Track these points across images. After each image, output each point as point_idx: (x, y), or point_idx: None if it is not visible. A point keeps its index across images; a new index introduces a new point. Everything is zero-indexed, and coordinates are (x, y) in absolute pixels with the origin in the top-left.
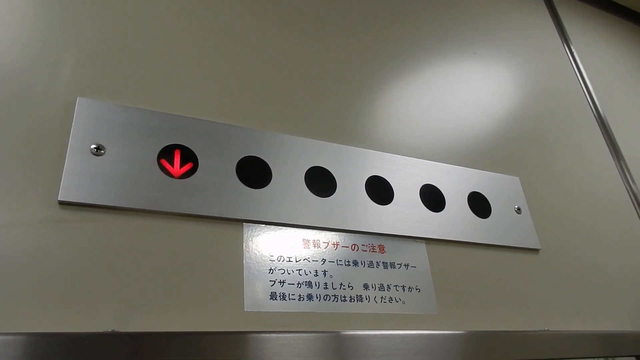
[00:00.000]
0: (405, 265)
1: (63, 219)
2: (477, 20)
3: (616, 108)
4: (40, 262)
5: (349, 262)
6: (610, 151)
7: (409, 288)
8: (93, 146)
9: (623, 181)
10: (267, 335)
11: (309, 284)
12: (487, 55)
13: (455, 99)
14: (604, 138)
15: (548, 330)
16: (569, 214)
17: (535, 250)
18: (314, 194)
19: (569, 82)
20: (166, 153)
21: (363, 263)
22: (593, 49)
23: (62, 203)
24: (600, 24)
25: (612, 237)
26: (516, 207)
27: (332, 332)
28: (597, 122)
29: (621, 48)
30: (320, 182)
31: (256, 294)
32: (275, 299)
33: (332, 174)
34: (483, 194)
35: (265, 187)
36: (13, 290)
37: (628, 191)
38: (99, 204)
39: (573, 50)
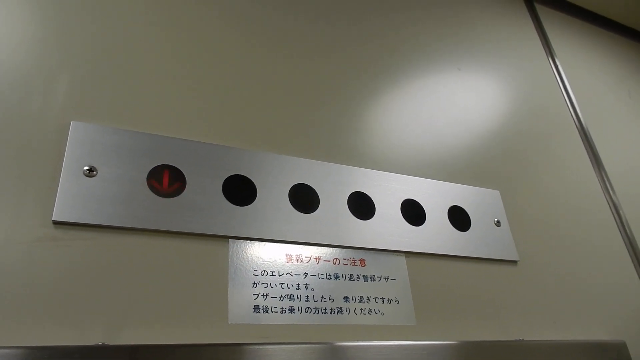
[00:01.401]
0: (385, 278)
1: (57, 237)
2: (461, 35)
3: (599, 120)
4: (35, 278)
5: (330, 275)
6: (592, 163)
7: (388, 300)
8: (86, 168)
9: (604, 192)
10: (250, 346)
11: (291, 297)
12: (471, 70)
13: (436, 115)
14: (586, 150)
15: (523, 340)
16: (548, 226)
17: (514, 262)
18: (297, 210)
19: (553, 96)
20: (155, 173)
21: (344, 276)
22: (577, 62)
23: (56, 223)
24: (585, 37)
25: (590, 248)
26: (496, 220)
27: (314, 343)
28: (580, 134)
29: (605, 60)
30: (304, 198)
31: (240, 307)
32: (259, 311)
33: (315, 191)
34: (463, 207)
35: (250, 205)
36: (7, 305)
37: (608, 202)
38: (91, 223)
39: (557, 63)
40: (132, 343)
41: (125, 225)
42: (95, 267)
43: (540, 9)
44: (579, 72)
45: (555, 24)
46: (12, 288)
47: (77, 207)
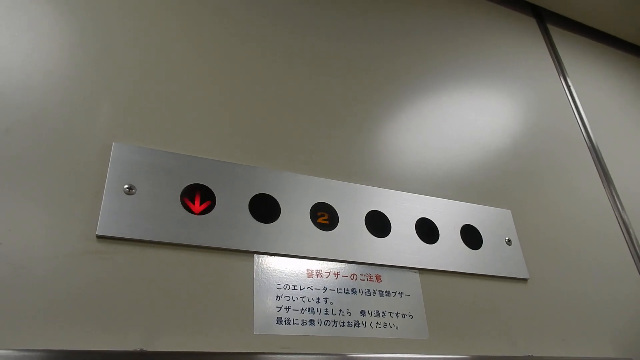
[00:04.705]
0: (399, 293)
1: (100, 250)
2: (475, 55)
3: (610, 140)
4: (81, 288)
5: (348, 290)
6: (603, 182)
7: (403, 315)
8: (126, 186)
9: (614, 211)
10: (273, 356)
11: (312, 310)
12: (484, 91)
13: (450, 135)
14: (597, 170)
15: (532, 356)
16: (559, 245)
17: (524, 280)
18: (318, 227)
19: (564, 115)
20: (188, 192)
21: (361, 291)
22: (589, 82)
23: (99, 237)
24: (597, 56)
25: (599, 266)
26: (507, 239)
27: (332, 354)
28: (591, 154)
29: (618, 79)
30: (324, 216)
31: (264, 319)
32: (281, 323)
33: (334, 209)
34: (475, 226)
35: (274, 222)
36: (56, 312)
37: (618, 221)
38: (130, 237)
39: (569, 83)
40: (168, 349)
41: (161, 240)
42: (134, 278)
43: (553, 30)
44: (590, 91)
45: (567, 44)
46: (60, 296)
47: (119, 223)
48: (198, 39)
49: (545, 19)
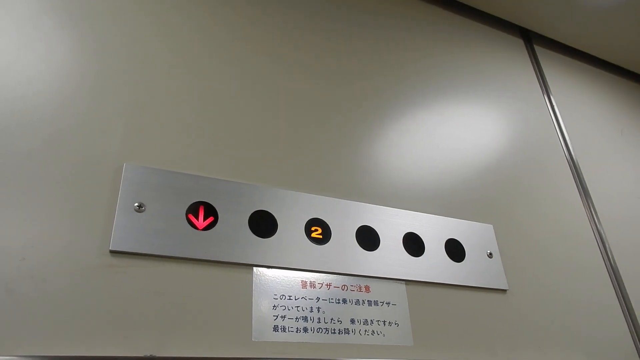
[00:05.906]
0: (387, 303)
1: (113, 264)
2: (463, 73)
3: (589, 156)
4: (96, 299)
5: (339, 300)
6: (581, 198)
7: (389, 323)
8: (136, 204)
9: (591, 225)
10: None
11: (305, 318)
12: (469, 108)
13: (436, 153)
14: (577, 186)
15: None
16: (537, 258)
17: (503, 291)
18: (312, 241)
19: (547, 133)
20: (193, 209)
21: (351, 301)
22: (573, 101)
23: (112, 252)
24: (582, 76)
25: (576, 278)
26: (488, 252)
27: (324, 359)
28: (571, 170)
29: (601, 99)
30: (318, 231)
31: (262, 327)
32: (278, 331)
33: (327, 224)
34: (459, 240)
35: (272, 237)
36: (73, 321)
37: (595, 235)
38: (140, 252)
39: (553, 102)
40: (175, 355)
41: (168, 255)
42: (144, 290)
43: (539, 51)
44: (573, 110)
45: (552, 64)
46: (78, 306)
47: (130, 239)
48: (197, 67)
49: (532, 40)
